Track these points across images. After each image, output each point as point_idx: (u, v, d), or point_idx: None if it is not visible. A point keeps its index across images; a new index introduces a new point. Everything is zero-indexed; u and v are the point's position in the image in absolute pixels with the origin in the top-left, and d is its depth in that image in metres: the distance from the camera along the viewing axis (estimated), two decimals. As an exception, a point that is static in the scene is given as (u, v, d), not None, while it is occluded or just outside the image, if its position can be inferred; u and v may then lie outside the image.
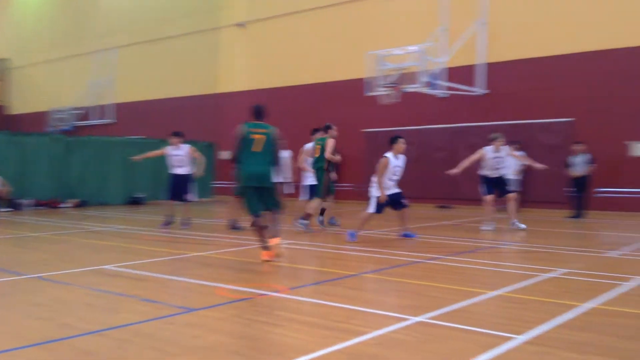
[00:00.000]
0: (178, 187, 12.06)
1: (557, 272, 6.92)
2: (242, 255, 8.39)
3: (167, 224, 11.92)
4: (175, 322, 4.80)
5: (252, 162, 7.46)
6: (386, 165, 9.65)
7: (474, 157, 11.38)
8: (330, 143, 11.27)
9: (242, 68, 23.14)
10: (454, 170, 11.18)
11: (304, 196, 12.41)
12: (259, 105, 7.87)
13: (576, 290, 6.10)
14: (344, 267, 7.56)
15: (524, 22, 16.50)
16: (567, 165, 14.14)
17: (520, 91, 16.51)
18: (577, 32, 15.61)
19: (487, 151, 11.31)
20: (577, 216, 13.94)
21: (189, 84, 24.64)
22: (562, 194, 14.95)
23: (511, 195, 11.47)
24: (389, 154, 9.78)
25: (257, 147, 7.47)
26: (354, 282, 6.57)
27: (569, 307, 5.16)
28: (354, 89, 18.64)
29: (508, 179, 12.01)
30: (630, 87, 14.79)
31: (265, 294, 5.76)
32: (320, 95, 20.47)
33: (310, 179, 12.03)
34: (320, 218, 11.88)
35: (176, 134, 12.21)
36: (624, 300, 5.52)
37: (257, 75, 22.52)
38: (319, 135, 11.75)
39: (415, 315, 4.89)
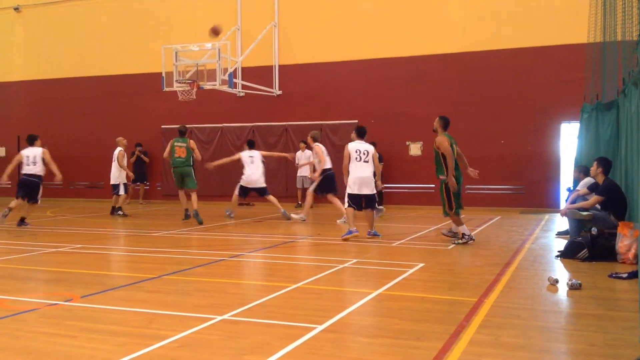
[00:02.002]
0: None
1: (349, 263, 7.41)
2: (25, 262, 7.62)
3: None
4: (-57, 343, 4.20)
5: None
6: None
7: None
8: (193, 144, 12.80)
9: (19, 56, 20.95)
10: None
11: None
12: None
13: (366, 278, 6.60)
14: (141, 270, 7.27)
15: (312, 29, 17.38)
16: None
17: (310, 93, 17.35)
18: (358, 41, 16.84)
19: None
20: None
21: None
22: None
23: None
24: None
25: None
26: (154, 284, 6.34)
27: (361, 295, 5.56)
28: (151, 83, 17.96)
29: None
30: (408, 92, 16.39)
31: (53, 304, 5.30)
32: (114, 88, 19.32)
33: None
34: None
35: None
36: (407, 285, 6.11)
37: (37, 64, 20.53)
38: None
39: (218, 313, 4.89)
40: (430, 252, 8.40)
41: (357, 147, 9.84)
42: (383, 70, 16.60)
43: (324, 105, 17.15)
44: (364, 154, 9.77)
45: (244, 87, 17.25)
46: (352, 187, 9.73)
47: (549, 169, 15.11)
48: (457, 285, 6.25)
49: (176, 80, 15.27)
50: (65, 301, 5.40)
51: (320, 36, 17.28)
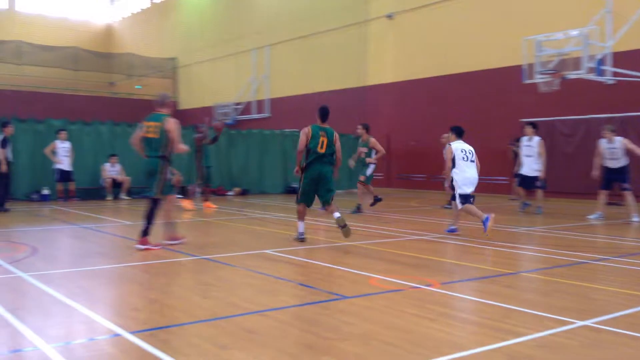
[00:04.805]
0: None
1: None
2: (392, 247, 8.43)
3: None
4: (330, 308, 4.96)
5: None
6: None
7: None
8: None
9: (391, 59, 23.11)
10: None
11: None
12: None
13: None
14: (500, 265, 7.31)
15: None
16: None
17: None
18: None
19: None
20: None
21: (338, 78, 25.08)
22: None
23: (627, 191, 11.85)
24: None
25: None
26: (512, 280, 6.32)
27: None
28: (509, 76, 17.82)
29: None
30: None
31: (417, 287, 5.74)
32: (473, 84, 19.83)
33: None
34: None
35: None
36: None
37: (406, 66, 22.34)
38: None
39: (579, 318, 4.60)
40: None
41: (461, 146, 9.82)
42: None
43: None
44: (470, 153, 9.79)
45: (614, 74, 15.66)
46: (462, 188, 9.67)
47: None
48: None
49: (538, 72, 14.83)
50: (426, 286, 5.79)
51: None
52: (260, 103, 29.51)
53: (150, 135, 7.88)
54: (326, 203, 8.63)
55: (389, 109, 22.78)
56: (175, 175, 17.87)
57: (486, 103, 19.37)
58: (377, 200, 13.49)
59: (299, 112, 26.29)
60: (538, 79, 14.92)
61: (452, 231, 9.85)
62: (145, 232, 7.81)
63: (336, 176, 8.93)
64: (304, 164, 8.58)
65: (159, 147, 7.84)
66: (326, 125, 8.71)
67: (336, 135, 8.69)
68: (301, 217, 8.74)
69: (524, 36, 15.56)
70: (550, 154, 17.71)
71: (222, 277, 6.27)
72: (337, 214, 8.42)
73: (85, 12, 41.42)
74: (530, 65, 15.13)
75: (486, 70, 19.45)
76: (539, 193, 13.22)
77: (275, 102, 28.67)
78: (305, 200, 8.69)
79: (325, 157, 8.55)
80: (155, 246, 7.81)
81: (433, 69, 21.20)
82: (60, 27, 39.28)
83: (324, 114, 8.77)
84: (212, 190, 17.17)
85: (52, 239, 9.41)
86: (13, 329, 4.25)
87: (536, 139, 13.17)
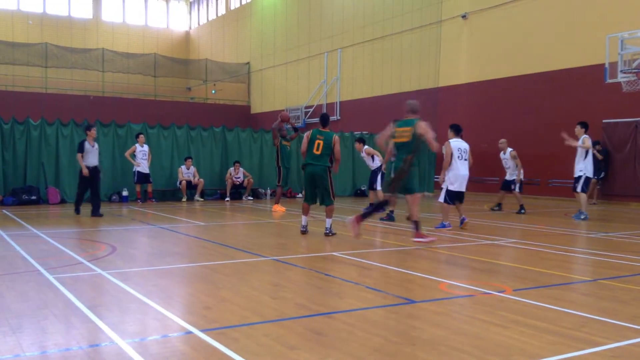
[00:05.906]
0: None
1: None
2: (463, 251, 8.28)
3: None
4: (398, 312, 4.92)
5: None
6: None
7: None
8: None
9: (465, 60, 22.66)
10: None
11: None
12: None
13: None
14: (575, 271, 7.03)
15: None
16: None
17: None
18: None
19: None
20: None
21: (410, 79, 24.85)
22: None
23: None
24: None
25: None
26: (588, 287, 6.06)
27: None
28: (589, 76, 17.08)
29: None
30: None
31: (487, 293, 5.60)
32: (550, 84, 19.14)
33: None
34: None
35: None
36: None
37: (480, 66, 21.84)
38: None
39: (663, 329, 4.36)
40: None
41: (458, 145, 10.44)
42: None
43: None
44: (464, 152, 10.44)
45: None
46: (454, 184, 10.44)
47: None
48: None
49: (621, 71, 14.17)
50: (498, 292, 5.64)
51: None
52: (330, 106, 29.67)
53: (403, 140, 8.47)
54: (324, 205, 9.46)
55: (463, 110, 22.34)
56: (247, 178, 18.42)
57: (565, 104, 18.66)
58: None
59: (368, 114, 26.24)
60: (621, 78, 14.27)
61: (442, 227, 10.45)
62: (417, 227, 8.55)
63: (335, 170, 9.65)
64: (303, 164, 9.54)
65: (410, 150, 8.38)
66: (326, 130, 9.53)
67: (335, 139, 9.45)
68: (304, 212, 9.70)
69: (605, 33, 14.91)
70: (633, 157, 16.88)
71: (291, 278, 6.35)
72: (329, 221, 9.37)
73: (164, 21, 43.02)
74: (613, 64, 14.49)
75: (564, 69, 18.75)
76: (581, 196, 12.61)
77: (345, 105, 28.75)
78: (306, 198, 9.62)
79: (320, 158, 9.35)
80: (426, 238, 8.56)
81: (508, 69, 20.65)
82: (141, 35, 41.06)
83: (323, 120, 9.72)
84: (284, 193, 17.39)
85: (130, 238, 9.83)
86: (93, 324, 4.46)
87: (582, 137, 12.53)
